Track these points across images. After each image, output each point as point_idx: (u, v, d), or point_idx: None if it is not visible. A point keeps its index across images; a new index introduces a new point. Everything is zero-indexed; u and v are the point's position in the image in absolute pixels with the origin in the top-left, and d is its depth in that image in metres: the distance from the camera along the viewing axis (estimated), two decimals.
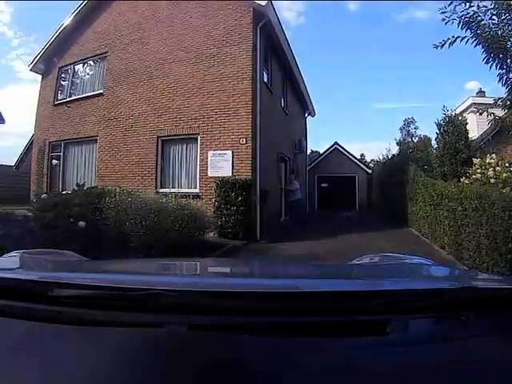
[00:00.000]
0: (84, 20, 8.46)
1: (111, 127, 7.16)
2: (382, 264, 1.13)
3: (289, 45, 7.65)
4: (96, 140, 7.49)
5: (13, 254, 1.10)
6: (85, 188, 4.92)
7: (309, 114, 12.68)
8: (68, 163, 8.29)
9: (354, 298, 0.62)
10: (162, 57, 6.88)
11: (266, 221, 5.75)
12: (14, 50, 49.71)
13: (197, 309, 0.59)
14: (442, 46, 3.46)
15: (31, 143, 17.32)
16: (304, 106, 11.97)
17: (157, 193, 5.49)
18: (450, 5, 3.33)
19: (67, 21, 8.52)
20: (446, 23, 3.39)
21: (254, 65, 5.73)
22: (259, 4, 5.80)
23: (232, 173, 5.41)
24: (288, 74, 8.91)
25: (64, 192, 5.77)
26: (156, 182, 6.36)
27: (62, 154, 8.38)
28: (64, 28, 8.59)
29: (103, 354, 0.52)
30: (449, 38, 3.42)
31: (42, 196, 5.31)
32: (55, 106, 8.67)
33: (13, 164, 14.56)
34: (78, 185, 5.18)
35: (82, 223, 4.22)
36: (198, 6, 6.77)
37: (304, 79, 10.13)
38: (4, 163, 14.14)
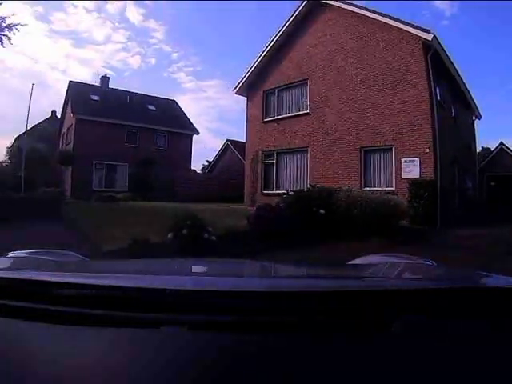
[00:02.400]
0: (279, 52, 15.87)
1: (320, 140, 14.07)
2: (382, 264, 1.55)
3: (452, 63, 12.90)
4: (307, 150, 14.66)
5: (13, 254, 1.55)
6: (316, 187, 11.72)
7: (476, 118, 19.20)
8: (280, 168, 16.03)
9: (354, 297, 0.84)
10: (356, 83, 13.11)
11: (444, 211, 11.02)
12: (175, 64, 73.45)
13: (197, 309, 0.81)
14: None
15: (222, 151, 28.66)
16: (470, 110, 18.14)
17: (361, 191, 11.69)
18: None
19: (263, 54, 16.26)
20: None
21: (430, 88, 11.21)
22: (426, 38, 11.27)
23: (420, 175, 11.07)
24: (454, 86, 14.33)
25: (281, 191, 13.00)
26: (360, 182, 12.71)
27: (275, 161, 16.19)
28: (262, 59, 16.29)
29: (103, 353, 0.73)
30: None
31: (290, 193, 12.44)
32: (264, 122, 16.65)
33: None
34: (311, 185, 11.99)
35: (322, 211, 10.91)
36: (379, 40, 12.62)
37: (468, 87, 15.91)
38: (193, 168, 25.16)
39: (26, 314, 0.83)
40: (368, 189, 11.80)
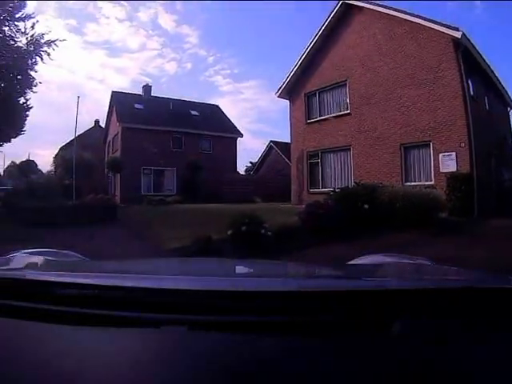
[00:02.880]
0: (318, 55, 17.83)
1: (362, 138, 15.88)
2: (382, 264, 1.66)
3: (482, 57, 14.41)
4: (350, 149, 16.52)
5: (13, 254, 1.65)
6: (361, 184, 13.57)
7: (511, 109, 20.53)
8: (325, 167, 17.96)
9: (354, 297, 0.90)
10: (393, 82, 14.83)
11: (481, 203, 12.50)
12: (211, 67, 78.46)
13: (197, 309, 0.87)
14: None
15: (265, 152, 31.20)
16: (505, 102, 19.55)
17: (402, 186, 13.39)
18: None
19: (302, 58, 18.25)
20: None
21: (462, 84, 12.78)
22: (456, 36, 12.85)
23: (457, 169, 12.63)
24: (486, 79, 15.81)
25: (327, 189, 14.90)
26: (401, 177, 14.42)
27: (319, 160, 18.15)
28: (301, 62, 18.29)
29: (103, 353, 0.78)
30: None
31: (337, 190, 14.33)
32: (307, 124, 18.65)
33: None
34: (355, 182, 13.85)
35: (366, 206, 12.74)
36: (411, 40, 14.32)
37: (501, 80, 17.27)
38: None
39: (26, 314, 0.90)
40: (408, 184, 13.52)
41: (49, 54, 22.15)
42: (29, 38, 21.53)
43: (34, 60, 22.35)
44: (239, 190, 24.15)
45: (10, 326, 0.90)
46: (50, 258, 1.62)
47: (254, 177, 31.67)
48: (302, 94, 18.86)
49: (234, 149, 31.13)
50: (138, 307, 0.88)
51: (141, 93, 31.74)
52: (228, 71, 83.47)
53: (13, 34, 21.38)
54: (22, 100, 24.59)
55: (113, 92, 31.40)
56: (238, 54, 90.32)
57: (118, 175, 26.54)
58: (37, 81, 23.41)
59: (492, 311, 0.90)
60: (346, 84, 16.83)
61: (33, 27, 21.26)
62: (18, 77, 22.70)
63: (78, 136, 33.44)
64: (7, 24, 20.92)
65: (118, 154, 27.58)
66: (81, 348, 0.79)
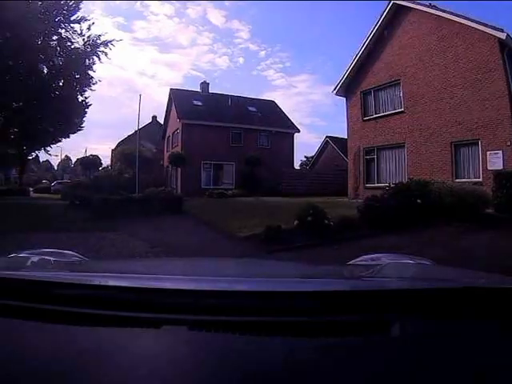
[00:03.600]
0: (372, 54, 19.87)
1: (415, 136, 17.84)
2: (382, 264, 1.68)
3: None
4: (404, 146, 18.53)
5: (13, 254, 1.73)
6: (414, 180, 15.62)
7: None
8: (381, 163, 20.01)
9: (354, 297, 0.96)
10: (444, 82, 16.67)
11: None
12: (263, 61, 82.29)
13: (197, 309, 0.91)
14: None
15: (321, 148, 33.89)
16: None
17: (453, 182, 15.22)
18: None
19: (358, 57, 20.34)
20: None
21: (508, 84, 14.42)
22: (501, 37, 14.51)
23: (503, 166, 14.25)
24: None
25: (382, 184, 16.95)
26: (451, 174, 16.28)
27: (375, 156, 20.20)
28: (356, 62, 20.48)
29: (103, 353, 0.82)
30: None
31: (391, 185, 16.42)
32: (364, 121, 20.77)
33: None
34: (409, 178, 15.93)
35: (419, 200, 14.80)
36: (460, 40, 16.11)
37: None
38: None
39: (26, 313, 0.95)
40: (458, 180, 15.38)
41: (106, 54, 25.18)
42: (85, 39, 24.52)
43: (91, 60, 25.51)
44: (296, 185, 26.65)
45: (10, 326, 0.94)
46: (50, 258, 1.67)
47: (311, 171, 34.20)
48: (358, 92, 21.01)
49: (291, 144, 33.69)
50: (138, 307, 0.94)
51: (197, 89, 35.25)
52: (280, 65, 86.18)
53: (69, 36, 24.45)
54: (80, 98, 28.14)
55: (171, 89, 34.79)
56: (289, 48, 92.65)
57: (179, 169, 29.64)
58: (96, 79, 26.69)
59: (492, 311, 0.95)
60: (399, 83, 18.84)
61: (89, 29, 24.25)
62: (77, 76, 25.92)
63: (137, 131, 37.16)
64: (63, 26, 23.86)
65: (178, 148, 30.68)
66: (81, 348, 0.84)
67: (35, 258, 1.67)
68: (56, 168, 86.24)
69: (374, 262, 1.84)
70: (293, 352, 0.81)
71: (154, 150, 33.82)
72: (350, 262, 2.05)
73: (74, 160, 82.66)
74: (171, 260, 3.27)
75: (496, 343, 0.88)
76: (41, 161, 70.98)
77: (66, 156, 56.44)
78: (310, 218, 9.65)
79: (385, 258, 1.87)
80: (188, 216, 15.72)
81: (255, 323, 0.91)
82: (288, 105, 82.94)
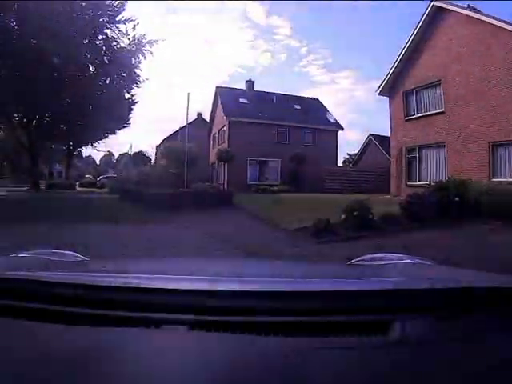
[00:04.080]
0: (413, 55, 20.88)
1: (455, 136, 18.78)
2: (382, 264, 1.76)
3: None
4: (444, 145, 19.59)
5: (13, 254, 1.78)
6: (452, 179, 16.78)
7: None
8: (422, 162, 20.99)
9: (354, 297, 0.99)
10: (483, 83, 17.46)
11: None
12: (305, 58, 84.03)
13: (197, 309, 0.95)
14: None
15: (364, 146, 35.20)
16: None
17: (489, 181, 16.21)
18: None
19: (400, 57, 21.43)
20: None
21: None
22: None
23: None
24: None
25: (423, 183, 18.13)
26: (489, 173, 17.19)
27: (417, 155, 21.25)
28: (398, 63, 21.56)
29: (103, 353, 0.84)
30: None
31: (432, 184, 17.57)
32: (406, 120, 21.89)
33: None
34: (448, 177, 17.14)
35: (457, 198, 15.98)
36: (498, 42, 16.93)
37: None
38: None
39: (26, 313, 0.98)
40: (495, 179, 16.33)
41: (151, 53, 26.82)
42: (131, 39, 26.20)
43: (137, 59, 27.20)
44: (339, 182, 27.81)
45: (10, 326, 0.97)
46: (50, 258, 1.70)
47: (354, 169, 35.35)
48: (401, 92, 22.07)
49: (335, 141, 34.81)
50: (138, 307, 0.97)
51: (241, 86, 37.13)
52: (322, 62, 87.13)
53: (115, 36, 26.20)
54: (127, 95, 30.30)
55: (217, 87, 36.60)
56: (330, 44, 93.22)
57: (226, 165, 31.17)
58: (142, 78, 28.37)
59: (491, 311, 0.98)
60: (439, 84, 19.86)
61: (134, 28, 25.89)
62: (123, 74, 27.83)
63: (183, 128, 39.00)
64: (109, 27, 25.57)
65: (224, 145, 32.27)
66: (81, 348, 0.85)
67: (35, 258, 1.72)
68: (98, 163, 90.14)
69: (374, 262, 1.88)
70: (293, 352, 0.84)
71: (199, 147, 35.50)
72: (350, 262, 2.12)
73: (116, 155, 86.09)
74: (171, 260, 3.34)
75: (496, 343, 0.90)
76: (83, 156, 74.25)
77: (109, 151, 59.14)
78: (355, 213, 10.56)
79: (385, 258, 1.91)
80: (238, 210, 16.70)
81: (255, 323, 0.94)
82: (330, 101, 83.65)
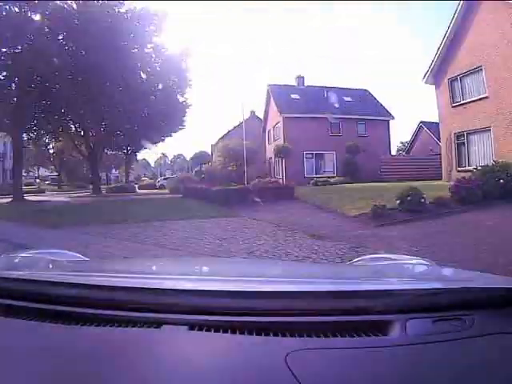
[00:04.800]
0: (455, 41, 21.80)
1: (500, 120, 19.82)
2: (382, 264, 1.79)
3: None
4: (490, 130, 20.74)
5: (13, 254, 1.83)
6: (498, 163, 18.26)
7: None
8: (470, 147, 21.87)
9: (354, 298, 1.02)
10: None
11: None
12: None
13: (197, 309, 0.98)
14: None
15: (415, 134, 36.56)
16: None
17: None
18: None
19: (442, 45, 22.54)
20: None
21: None
22: None
23: None
24: None
25: (471, 167, 19.49)
26: None
27: (465, 140, 22.28)
28: (441, 51, 22.54)
29: (103, 353, 0.86)
30: None
31: (478, 168, 19.05)
32: (453, 107, 23.17)
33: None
34: (494, 161, 18.33)
35: (502, 181, 17.31)
36: None
37: None
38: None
39: (26, 313, 1.00)
40: None
41: (200, 57, 29.85)
42: (178, 45, 29.15)
43: (187, 64, 29.77)
44: (393, 170, 29.09)
45: (11, 326, 0.99)
46: (50, 258, 1.73)
47: (406, 157, 36.44)
48: (446, 80, 23.08)
49: (387, 131, 35.75)
50: (138, 307, 0.99)
51: (293, 83, 38.55)
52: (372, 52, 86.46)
53: (163, 43, 28.66)
54: (181, 99, 32.67)
55: (268, 85, 38.39)
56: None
57: (283, 160, 32.95)
58: (194, 80, 31.29)
59: (491, 311, 1.00)
60: (482, 69, 20.74)
61: (180, 35, 28.92)
62: (175, 79, 30.26)
63: (237, 126, 41.17)
64: (156, 35, 27.86)
65: (279, 141, 34.07)
66: (80, 348, 0.87)
67: (35, 258, 1.78)
68: (153, 165, 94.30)
69: (374, 262, 1.90)
70: (293, 352, 0.84)
71: (255, 143, 37.09)
72: (350, 262, 2.16)
73: (170, 157, 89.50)
74: (171, 260, 3.29)
75: (496, 343, 0.92)
76: (138, 159, 78.23)
77: (162, 153, 62.01)
78: (409, 198, 11.81)
79: (385, 258, 1.93)
80: (301, 201, 18.00)
81: (255, 323, 0.96)
82: (379, 90, 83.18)
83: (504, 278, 1.35)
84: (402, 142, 45.68)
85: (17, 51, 22.67)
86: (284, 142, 32.79)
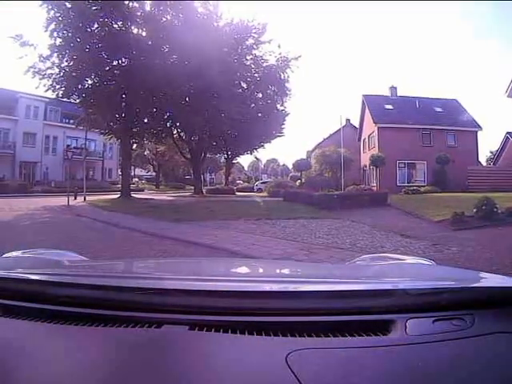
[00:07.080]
0: None
1: None
2: (382, 264, 1.84)
3: None
4: None
5: (13, 254, 1.85)
6: None
7: None
8: None
9: (355, 297, 1.05)
10: None
11: None
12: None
13: (197, 309, 1.01)
14: None
15: (503, 144, 39.02)
16: None
17: None
18: None
19: None
20: None
21: None
22: None
23: None
24: None
25: None
26: None
27: None
28: None
29: (103, 353, 0.89)
30: None
31: None
32: None
33: None
34: None
35: None
36: None
37: None
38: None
39: (26, 313, 1.03)
40: None
41: (297, 67, 31.79)
42: (277, 56, 31.18)
43: (286, 74, 32.13)
44: (481, 181, 30.81)
45: (10, 326, 1.02)
46: (50, 258, 1.79)
47: (493, 168, 37.87)
48: None
49: (475, 141, 37.32)
50: (138, 307, 1.02)
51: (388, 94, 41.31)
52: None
53: (262, 55, 31.44)
54: (280, 107, 35.99)
55: (363, 95, 41.68)
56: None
57: (378, 169, 35.41)
58: (293, 91, 33.00)
59: (491, 311, 1.03)
60: None
61: (279, 47, 30.98)
62: (273, 89, 33.24)
63: (333, 134, 44.78)
64: (256, 47, 30.89)
65: (374, 150, 36.71)
66: (81, 348, 0.91)
67: (35, 258, 1.85)
68: (247, 168, 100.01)
69: (374, 262, 1.98)
70: (294, 352, 0.86)
71: (350, 151, 39.04)
72: (350, 262, 2.24)
73: (263, 161, 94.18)
74: (171, 260, 3.47)
75: (496, 343, 0.95)
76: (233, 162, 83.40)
77: (256, 158, 66.26)
78: (484, 207, 13.66)
79: (384, 258, 2.01)
80: (392, 208, 20.60)
81: (256, 323, 0.99)
82: (465, 99, 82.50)
83: (504, 278, 1.40)
84: (491, 152, 47.25)
85: (123, 65, 26.26)
86: (378, 151, 35.51)
